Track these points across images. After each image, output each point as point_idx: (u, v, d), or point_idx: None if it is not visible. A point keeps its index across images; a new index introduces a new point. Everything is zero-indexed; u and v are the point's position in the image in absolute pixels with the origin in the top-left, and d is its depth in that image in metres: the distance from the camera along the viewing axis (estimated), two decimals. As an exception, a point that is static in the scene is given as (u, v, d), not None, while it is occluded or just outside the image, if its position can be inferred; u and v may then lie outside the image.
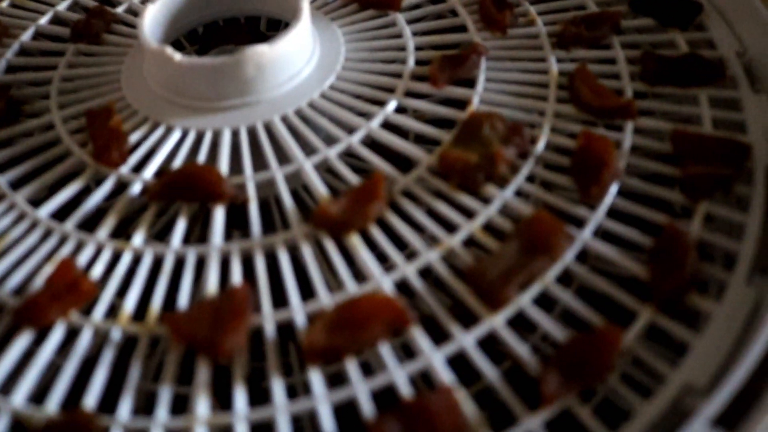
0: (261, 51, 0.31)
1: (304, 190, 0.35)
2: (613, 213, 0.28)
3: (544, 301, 0.25)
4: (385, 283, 0.26)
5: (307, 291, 0.26)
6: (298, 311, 0.25)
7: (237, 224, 0.33)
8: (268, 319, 0.25)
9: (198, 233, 0.35)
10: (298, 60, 0.33)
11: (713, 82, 0.32)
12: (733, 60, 0.33)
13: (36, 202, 0.30)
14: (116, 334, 0.26)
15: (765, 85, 0.32)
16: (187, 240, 0.29)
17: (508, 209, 0.28)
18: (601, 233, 0.27)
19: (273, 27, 0.46)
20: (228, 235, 0.29)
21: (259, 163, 0.31)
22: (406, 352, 0.25)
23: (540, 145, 0.30)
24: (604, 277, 0.26)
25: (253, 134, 0.32)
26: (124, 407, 0.24)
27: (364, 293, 0.25)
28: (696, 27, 0.36)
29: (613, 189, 0.28)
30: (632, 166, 0.29)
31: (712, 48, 0.35)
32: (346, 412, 0.23)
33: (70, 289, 0.26)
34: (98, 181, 0.31)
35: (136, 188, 0.30)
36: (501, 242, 0.26)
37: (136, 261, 0.28)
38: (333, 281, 0.27)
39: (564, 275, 0.26)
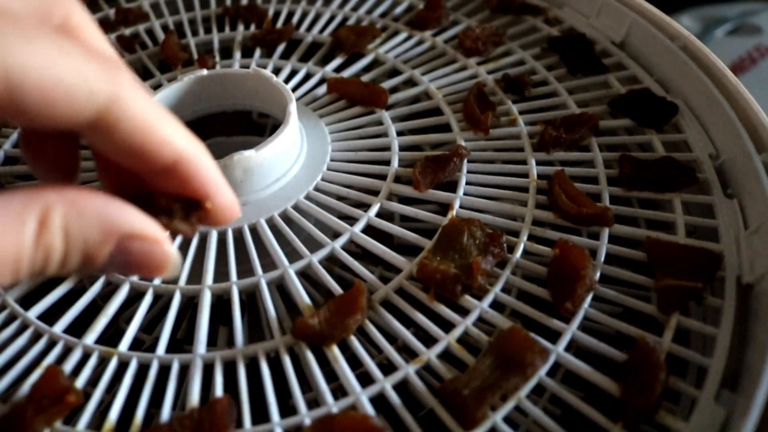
0: (248, 156, 0.32)
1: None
2: (587, 325, 0.28)
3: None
4: (363, 398, 0.26)
5: (286, 391, 0.27)
6: (277, 426, 0.26)
7: (222, 320, 0.34)
8: (248, 435, 0.26)
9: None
10: (284, 162, 0.34)
11: (687, 187, 0.33)
12: (707, 163, 0.35)
13: (26, 302, 0.31)
14: (99, 445, 0.26)
15: (736, 190, 0.33)
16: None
17: (484, 320, 0.29)
18: (575, 346, 0.28)
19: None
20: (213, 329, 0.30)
21: (245, 259, 0.32)
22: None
23: (518, 254, 0.31)
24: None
25: (239, 235, 0.33)
26: None
27: (342, 410, 0.26)
28: (673, 127, 0.37)
29: (588, 300, 0.29)
30: (607, 275, 0.30)
31: (688, 149, 0.36)
32: None
33: (55, 401, 0.26)
34: (92, 281, 0.32)
35: (123, 292, 0.31)
36: (476, 356, 0.27)
37: (122, 368, 0.28)
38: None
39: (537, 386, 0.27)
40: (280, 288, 0.33)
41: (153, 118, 0.20)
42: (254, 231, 0.33)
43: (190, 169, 0.22)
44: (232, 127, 0.45)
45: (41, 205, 0.19)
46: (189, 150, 0.21)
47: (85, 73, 0.18)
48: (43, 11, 0.21)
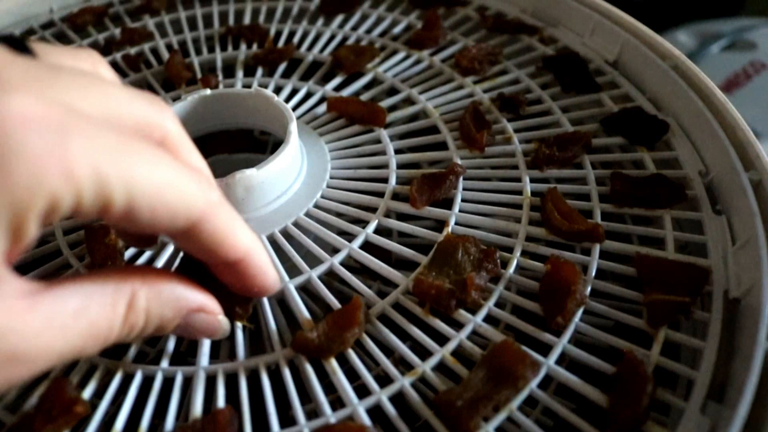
0: (249, 174, 0.33)
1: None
2: (578, 338, 0.29)
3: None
4: (360, 409, 0.27)
5: (286, 403, 0.28)
6: (277, 437, 0.27)
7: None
8: (249, 445, 0.27)
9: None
10: (285, 180, 0.35)
11: (677, 203, 0.34)
12: (696, 180, 0.35)
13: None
14: (105, 455, 0.27)
15: (725, 207, 0.34)
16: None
17: (478, 334, 0.30)
18: (567, 359, 0.29)
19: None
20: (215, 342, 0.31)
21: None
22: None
23: (511, 270, 0.32)
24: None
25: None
26: None
27: (339, 420, 0.27)
28: (664, 144, 0.38)
29: (579, 314, 0.30)
30: (598, 290, 0.31)
31: (678, 166, 0.37)
32: None
33: (64, 411, 0.27)
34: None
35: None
36: (469, 369, 0.28)
37: (127, 379, 0.29)
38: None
39: (530, 398, 0.28)
40: (281, 302, 0.34)
41: (231, 227, 0.24)
42: (256, 247, 0.34)
43: (248, 265, 0.26)
44: (234, 144, 0.46)
45: (130, 290, 0.23)
46: (251, 249, 0.25)
47: (187, 194, 0.22)
48: (147, 125, 0.23)
